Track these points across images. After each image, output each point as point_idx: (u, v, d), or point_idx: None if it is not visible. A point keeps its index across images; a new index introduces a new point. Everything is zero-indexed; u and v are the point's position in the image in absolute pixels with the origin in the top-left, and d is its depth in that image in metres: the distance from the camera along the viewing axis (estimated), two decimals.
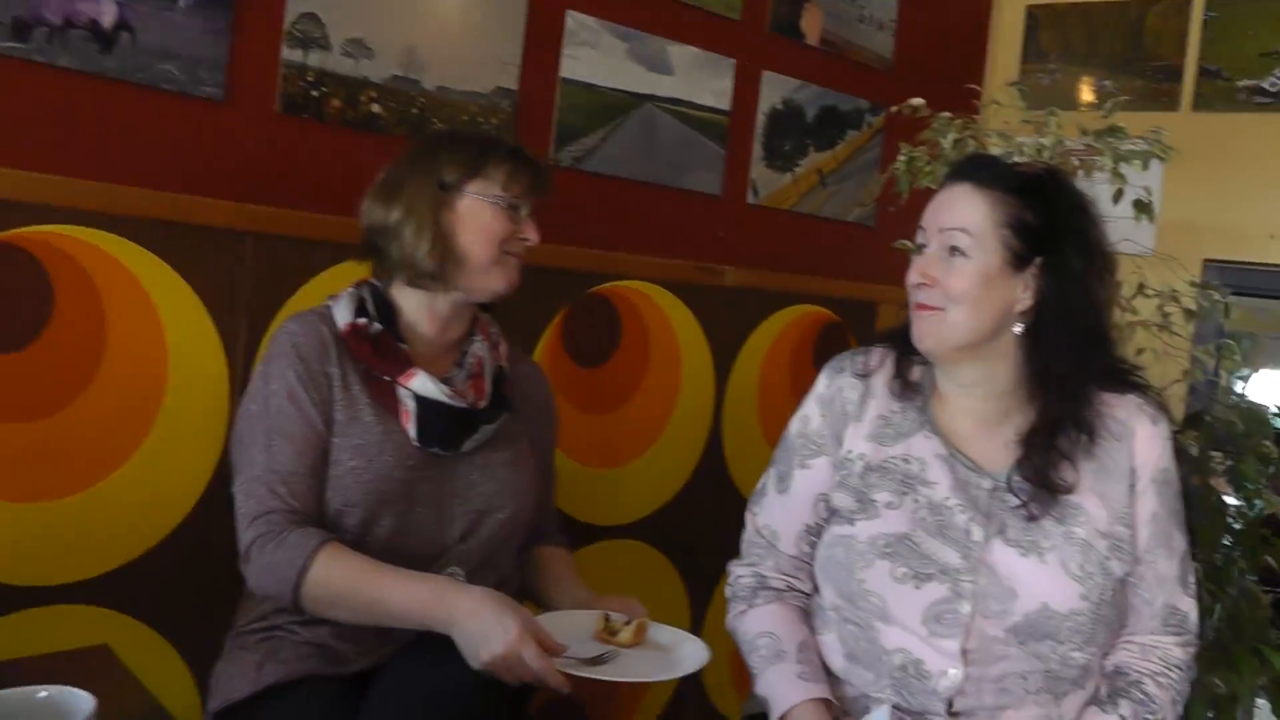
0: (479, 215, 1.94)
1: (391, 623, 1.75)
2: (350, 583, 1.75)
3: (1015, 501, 1.72)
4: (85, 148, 2.11)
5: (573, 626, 1.86)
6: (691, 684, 3.23)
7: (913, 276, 1.73)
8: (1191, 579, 1.81)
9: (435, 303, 1.98)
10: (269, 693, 1.78)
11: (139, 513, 2.20)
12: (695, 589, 3.17)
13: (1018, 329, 1.72)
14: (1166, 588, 1.76)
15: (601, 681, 1.74)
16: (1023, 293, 1.71)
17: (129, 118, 2.15)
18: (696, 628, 3.18)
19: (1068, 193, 1.76)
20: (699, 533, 3.16)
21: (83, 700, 1.17)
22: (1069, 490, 1.72)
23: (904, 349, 1.85)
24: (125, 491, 2.18)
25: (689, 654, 1.87)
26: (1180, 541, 1.79)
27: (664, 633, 1.94)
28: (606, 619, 1.90)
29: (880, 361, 1.88)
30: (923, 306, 1.72)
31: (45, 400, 2.09)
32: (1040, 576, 1.68)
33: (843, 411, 1.85)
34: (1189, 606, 1.79)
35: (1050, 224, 1.70)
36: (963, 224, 1.70)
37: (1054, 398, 1.74)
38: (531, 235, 1.99)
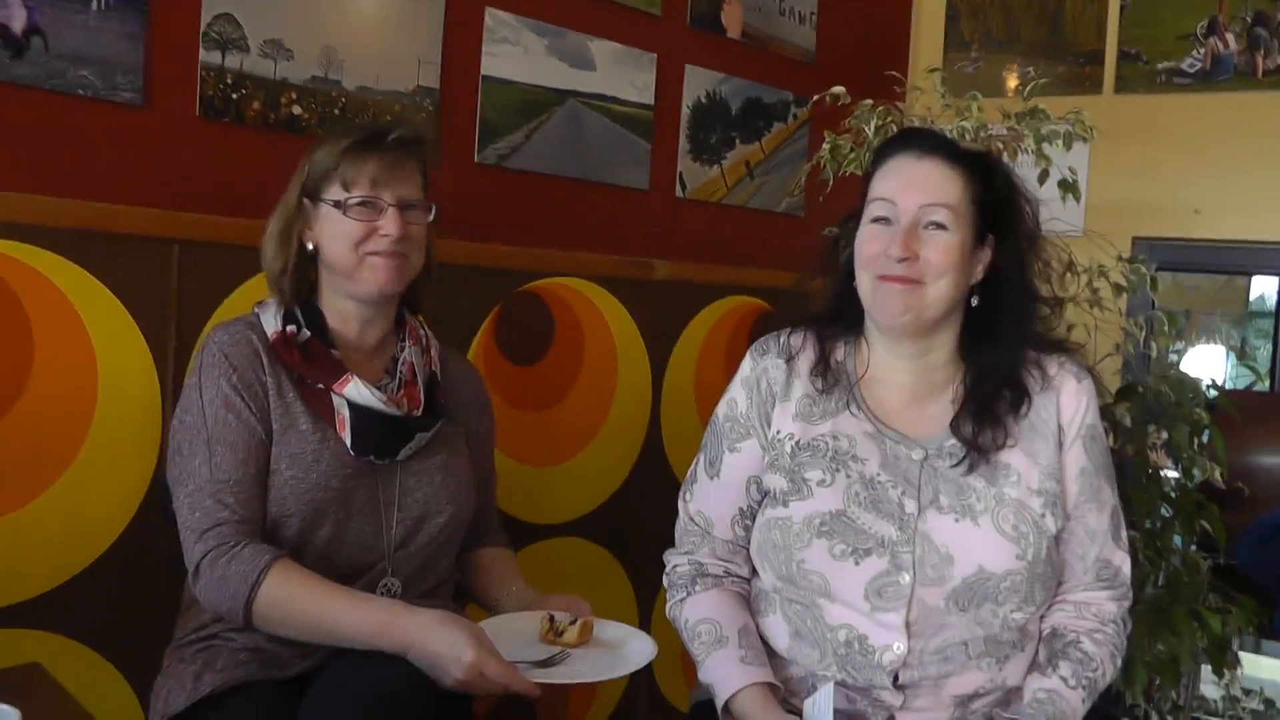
0: (332, 222, 1.92)
1: (340, 644, 1.74)
2: (300, 603, 1.73)
3: (948, 464, 1.74)
4: (0, 157, 2.08)
5: (518, 629, 1.87)
6: (642, 677, 3.23)
7: (894, 249, 1.71)
8: (1123, 533, 1.83)
9: (345, 306, 1.96)
10: (207, 701, 1.76)
11: (73, 530, 2.16)
12: (640, 583, 3.17)
13: (974, 301, 1.78)
14: (1098, 542, 1.78)
15: (556, 684, 1.75)
16: (978, 266, 1.77)
17: (45, 126, 2.12)
18: (644, 622, 3.18)
19: (1002, 170, 1.83)
20: (641, 527, 3.15)
21: (6, 714, 1.15)
22: (1001, 447, 1.75)
23: (827, 329, 1.87)
24: (58, 510, 2.14)
25: (636, 649, 1.88)
26: (1109, 496, 1.81)
27: (609, 629, 1.95)
28: (551, 620, 1.89)
29: (803, 342, 1.88)
30: (900, 279, 1.72)
31: None
32: (975, 539, 1.69)
33: (769, 393, 1.86)
34: (1121, 560, 1.81)
35: (997, 201, 1.78)
36: (945, 199, 1.72)
37: (991, 361, 1.77)
38: (389, 229, 1.89)
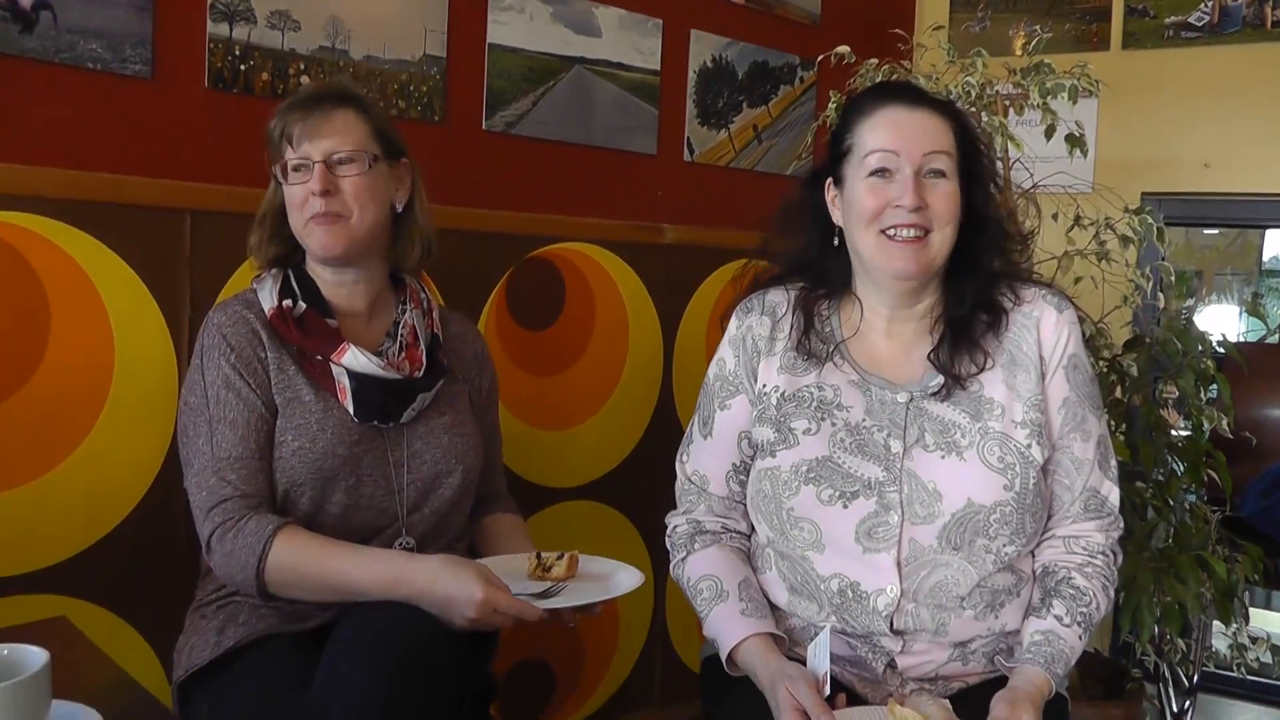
0: (286, 190, 1.93)
1: (355, 599, 1.76)
2: (308, 565, 1.76)
3: (933, 400, 1.76)
4: (14, 131, 2.11)
5: (507, 570, 1.89)
6: (657, 638, 3.27)
7: (906, 199, 1.70)
8: (1112, 462, 1.83)
9: (322, 272, 1.97)
10: (230, 655, 1.80)
11: (93, 497, 2.20)
12: (654, 545, 3.17)
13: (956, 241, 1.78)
14: (1084, 470, 1.79)
15: (558, 611, 1.80)
16: (960, 207, 1.77)
17: (56, 99, 2.15)
18: (659, 582, 3.21)
19: (963, 114, 1.85)
20: (655, 489, 3.14)
21: (35, 655, 1.18)
22: (982, 369, 1.76)
23: (810, 294, 1.88)
24: (78, 477, 2.18)
25: (625, 577, 1.93)
26: (1095, 425, 1.81)
27: (595, 563, 1.99)
28: (538, 557, 1.93)
29: (787, 296, 1.90)
30: (910, 228, 1.72)
31: None
32: (961, 474, 1.71)
33: (754, 349, 1.88)
34: (1109, 490, 1.81)
35: (966, 143, 1.79)
36: (944, 146, 1.74)
37: (973, 287, 1.79)
38: (312, 185, 1.87)
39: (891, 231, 1.73)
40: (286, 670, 1.74)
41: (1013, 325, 1.79)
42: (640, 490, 3.15)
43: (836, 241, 1.84)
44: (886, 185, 1.73)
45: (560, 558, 1.92)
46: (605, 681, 3.17)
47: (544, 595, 1.83)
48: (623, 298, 3.10)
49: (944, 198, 1.72)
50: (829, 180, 1.84)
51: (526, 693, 2.99)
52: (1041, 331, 1.78)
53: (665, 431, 3.21)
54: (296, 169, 1.89)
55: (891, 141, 1.74)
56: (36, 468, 2.14)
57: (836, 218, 1.83)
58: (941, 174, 1.73)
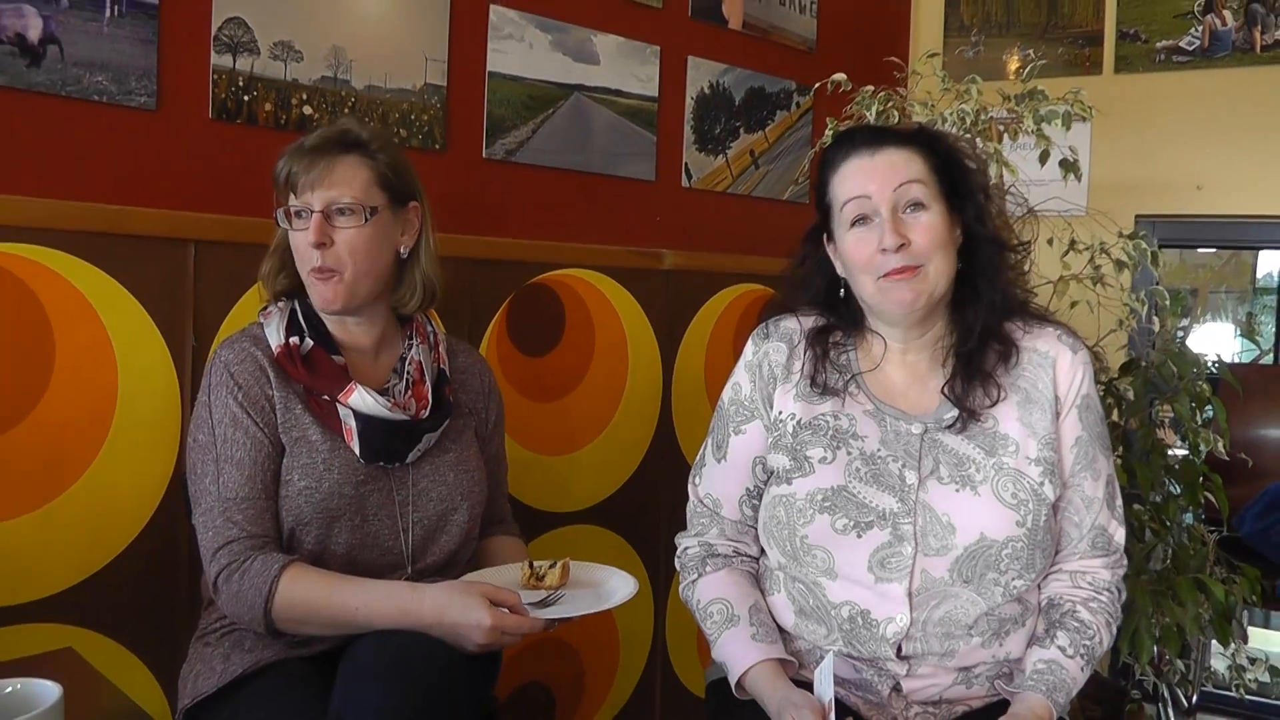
0: (290, 236, 1.94)
1: (363, 631, 1.77)
2: (315, 603, 1.77)
3: (947, 433, 1.77)
4: (21, 163, 2.12)
5: (500, 580, 1.91)
6: (658, 661, 3.27)
7: (887, 240, 1.71)
8: (1118, 502, 1.85)
9: (337, 317, 1.98)
10: (237, 683, 1.80)
11: (96, 526, 2.21)
12: (655, 568, 3.21)
13: (959, 265, 1.79)
14: (1094, 509, 1.81)
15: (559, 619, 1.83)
16: (958, 232, 1.79)
17: (62, 131, 2.17)
18: (660, 606, 3.22)
19: (941, 138, 1.84)
20: (655, 514, 3.20)
21: (49, 690, 1.19)
22: (995, 403, 1.77)
23: (824, 334, 1.88)
24: (81, 506, 2.19)
25: (619, 584, 1.95)
26: (1104, 465, 1.83)
27: (586, 570, 2.01)
28: (531, 565, 1.95)
29: (804, 323, 1.91)
30: (902, 271, 1.72)
31: None
32: (975, 508, 1.72)
33: (770, 375, 1.88)
34: (1115, 528, 1.83)
35: (948, 165, 1.80)
36: (914, 176, 1.74)
37: (979, 316, 1.79)
38: (309, 237, 1.87)
39: (886, 273, 1.74)
40: (298, 695, 1.75)
41: (1028, 363, 1.80)
42: (641, 514, 3.17)
43: (843, 292, 1.85)
44: (869, 232, 1.75)
45: (553, 565, 1.94)
46: (606, 704, 3.18)
47: (541, 604, 1.85)
48: (622, 323, 3.12)
49: (926, 229, 1.73)
50: (825, 235, 1.87)
51: (527, 716, 2.99)
52: (1058, 372, 1.80)
53: (665, 456, 3.23)
54: (298, 214, 1.90)
55: (861, 187, 1.75)
56: (40, 496, 2.15)
57: (840, 270, 1.85)
58: (920, 204, 1.73)
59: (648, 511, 3.19)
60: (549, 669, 3.01)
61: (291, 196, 1.90)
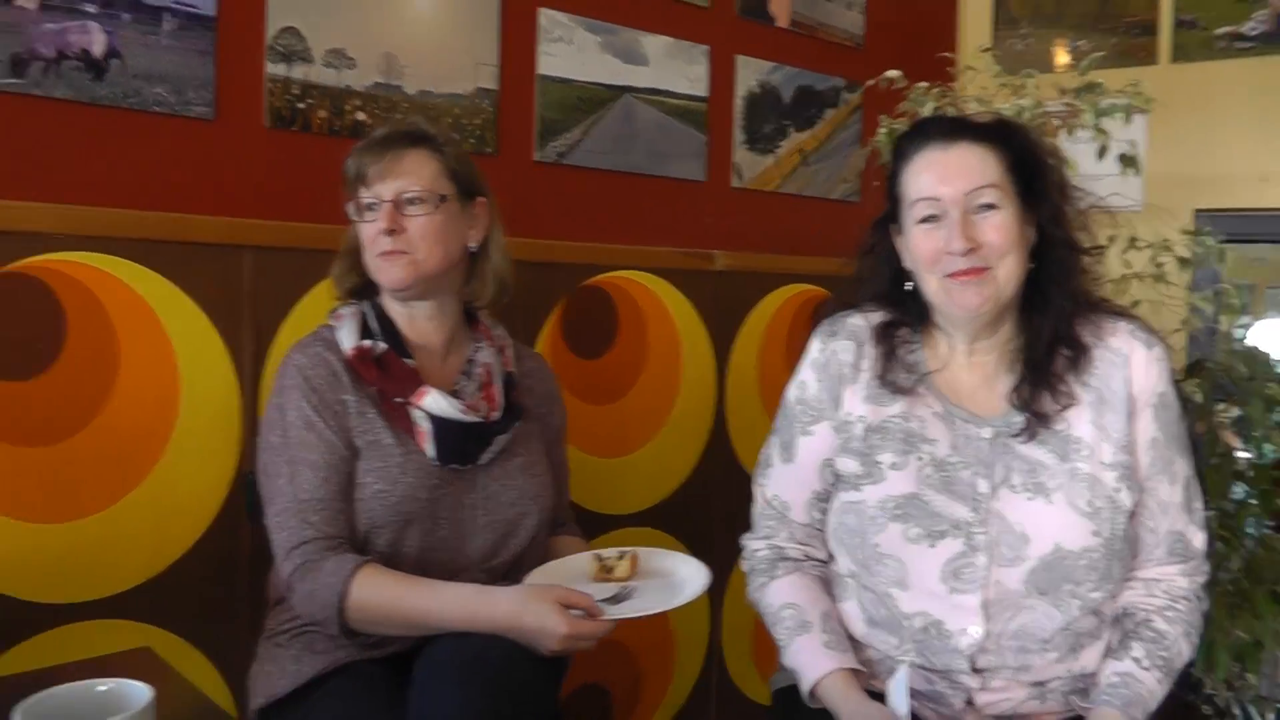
0: (360, 229, 1.97)
1: (436, 633, 1.78)
2: (388, 604, 1.78)
3: (1017, 441, 1.72)
4: (86, 174, 2.16)
5: (568, 573, 1.91)
6: (714, 664, 3.27)
7: (955, 244, 1.67)
8: (1197, 505, 1.78)
9: (397, 307, 2.00)
10: (310, 684, 1.82)
11: (162, 526, 2.25)
12: (711, 570, 3.20)
13: (1031, 266, 1.74)
14: (1170, 514, 1.74)
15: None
16: (1031, 231, 1.74)
17: (124, 142, 2.20)
18: (716, 608, 3.22)
19: (1020, 133, 1.78)
20: (710, 515, 3.20)
21: (141, 691, 1.21)
22: (1066, 408, 1.72)
23: (890, 329, 1.85)
24: (147, 507, 2.22)
25: (691, 575, 1.92)
26: (1182, 467, 1.76)
27: (654, 558, 1.99)
28: (599, 558, 1.94)
29: (870, 320, 1.87)
30: (969, 272, 1.68)
31: (63, 423, 2.14)
32: (1050, 517, 1.67)
33: (838, 374, 1.84)
34: (1194, 533, 1.76)
35: (1024, 163, 1.74)
36: (988, 179, 1.69)
37: (1049, 321, 1.74)
38: (380, 224, 1.91)
39: (953, 274, 1.71)
40: (371, 696, 1.76)
41: (1100, 362, 1.74)
42: (696, 516, 3.17)
43: (910, 285, 1.80)
44: (937, 230, 1.71)
45: (621, 556, 1.92)
46: (662, 707, 3.18)
47: (613, 600, 1.83)
48: (675, 324, 3.12)
49: (996, 230, 1.68)
50: (893, 225, 1.82)
51: (585, 718, 3.00)
52: (1132, 369, 1.73)
53: (720, 457, 3.23)
54: (369, 207, 1.93)
55: (932, 187, 1.71)
56: (107, 497, 2.19)
57: (907, 261, 1.80)
58: (992, 206, 1.69)
59: (703, 514, 3.19)
60: (606, 671, 3.02)
61: (362, 189, 1.93)
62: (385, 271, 1.93)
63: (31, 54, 2.08)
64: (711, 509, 3.21)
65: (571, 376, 2.87)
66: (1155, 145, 3.63)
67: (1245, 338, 2.81)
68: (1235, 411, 2.65)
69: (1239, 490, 2.67)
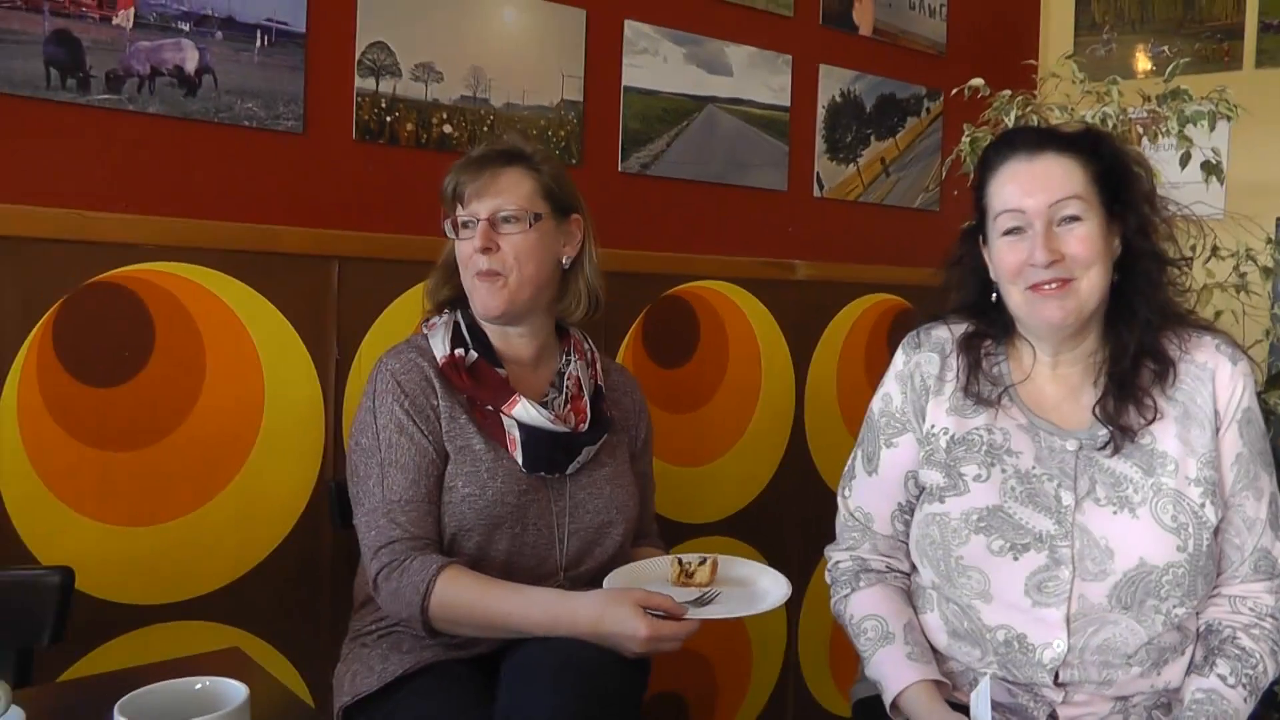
0: (456, 246, 2.00)
1: (517, 636, 1.80)
2: (471, 605, 1.80)
3: (1102, 454, 1.71)
4: (177, 187, 2.21)
5: (649, 575, 1.92)
6: (792, 676, 3.26)
7: (1038, 256, 1.67)
8: None
9: (489, 325, 2.02)
10: (398, 683, 1.84)
11: (246, 530, 2.29)
12: (789, 580, 3.20)
13: (1115, 278, 1.74)
14: (1256, 530, 1.73)
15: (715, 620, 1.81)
16: (1116, 242, 1.74)
17: (215, 156, 2.24)
18: (793, 618, 3.21)
19: (1107, 142, 1.77)
20: (788, 525, 3.19)
21: (236, 690, 1.23)
22: (1151, 422, 1.71)
23: (975, 339, 1.85)
24: (230, 511, 2.27)
25: (771, 584, 1.92)
26: (1268, 483, 1.75)
27: (735, 566, 1.99)
28: (679, 562, 1.94)
29: (955, 332, 1.87)
30: (1052, 284, 1.69)
31: (150, 429, 2.19)
32: (1135, 532, 1.67)
33: (923, 387, 1.85)
34: None
35: (1111, 173, 1.73)
36: (1073, 191, 1.69)
37: (1134, 334, 1.73)
38: (475, 243, 1.94)
39: (1036, 285, 1.71)
40: (457, 694, 1.79)
41: (1185, 377, 1.74)
42: (775, 525, 3.17)
43: (995, 297, 1.80)
44: (1021, 242, 1.71)
45: (702, 562, 1.93)
46: (739, 717, 3.18)
47: (697, 604, 1.83)
48: (755, 334, 3.12)
49: (1080, 242, 1.68)
50: (981, 236, 1.82)
51: None
52: (1217, 385, 1.73)
53: (799, 467, 3.22)
54: (465, 225, 1.96)
55: (1016, 200, 1.71)
56: (194, 500, 2.24)
57: (993, 273, 1.80)
58: (1075, 218, 1.68)
59: (780, 523, 3.19)
60: (683, 679, 3.02)
61: (459, 207, 1.96)
62: (481, 298, 1.96)
63: (127, 70, 2.13)
64: (789, 518, 3.20)
65: (652, 386, 2.87)
66: (1238, 152, 3.56)
67: None
68: None
69: None
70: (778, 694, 3.25)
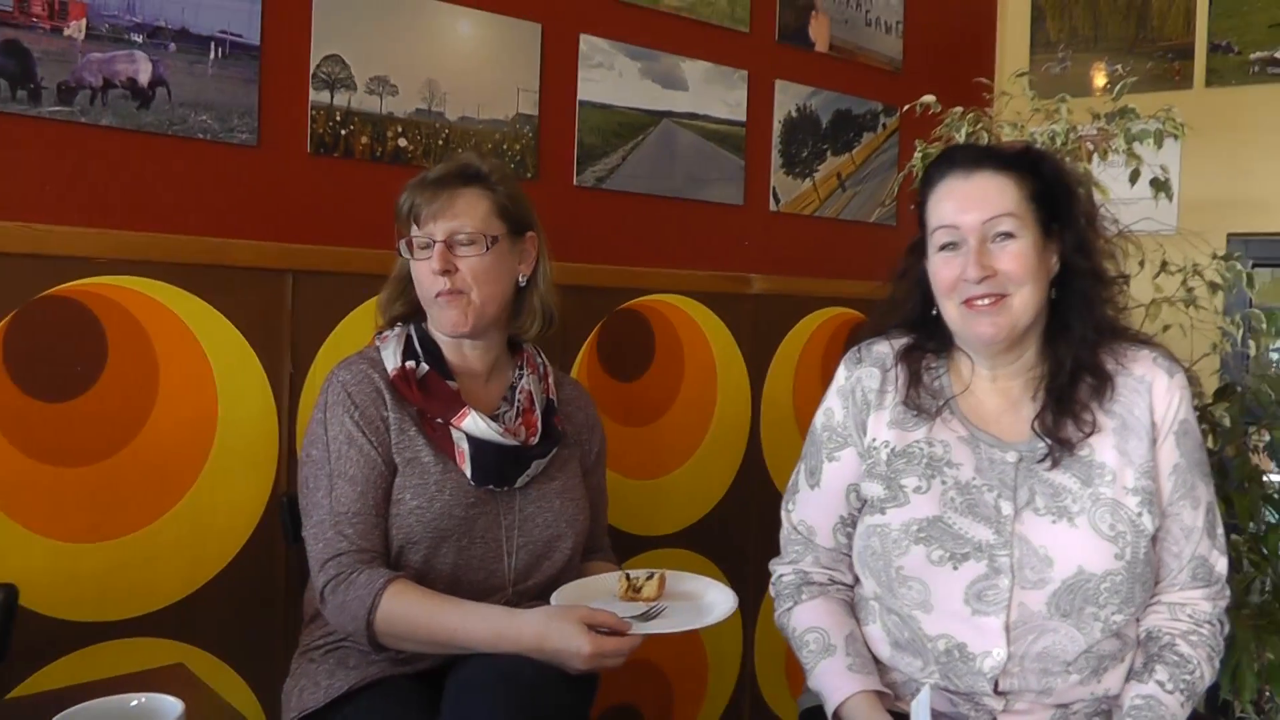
0: (413, 265, 2.00)
1: (462, 652, 1.81)
2: (416, 620, 1.80)
3: (1041, 466, 1.74)
4: (130, 200, 2.20)
5: (597, 591, 1.93)
6: (746, 683, 3.27)
7: (970, 271, 1.71)
8: (1219, 531, 1.80)
9: (444, 339, 2.03)
10: (342, 699, 1.84)
11: (198, 545, 2.28)
12: (744, 593, 3.19)
13: (1053, 294, 1.77)
14: (1193, 538, 1.76)
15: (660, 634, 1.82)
16: (1054, 260, 1.77)
17: (169, 168, 2.24)
18: (749, 630, 3.22)
19: (1048, 161, 1.81)
20: (744, 537, 3.21)
21: (172, 706, 1.23)
22: (1089, 434, 1.74)
23: (915, 351, 1.88)
24: (183, 527, 2.26)
25: (719, 598, 1.94)
26: (1204, 492, 1.78)
27: (683, 581, 2.01)
28: (627, 578, 1.95)
29: (895, 346, 1.90)
30: (985, 299, 1.72)
31: (102, 444, 2.17)
32: (1073, 540, 1.69)
33: (864, 401, 1.87)
34: (1216, 558, 1.78)
35: (1050, 191, 1.76)
36: (1006, 208, 1.72)
37: (1071, 350, 1.77)
38: (433, 264, 1.94)
39: (969, 300, 1.74)
40: (406, 709, 1.79)
41: (1123, 390, 1.77)
42: (729, 538, 3.18)
43: (935, 311, 1.83)
44: (955, 257, 1.74)
45: (650, 577, 1.94)
46: None
47: (642, 618, 1.84)
48: (711, 348, 3.14)
49: (1013, 259, 1.71)
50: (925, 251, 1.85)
51: None
52: (1154, 397, 1.76)
53: (755, 479, 3.24)
54: (422, 246, 1.96)
55: (951, 216, 1.75)
56: (145, 516, 2.22)
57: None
58: (1009, 235, 1.71)
59: (736, 535, 3.20)
60: (640, 691, 3.03)
61: (414, 227, 1.96)
62: (447, 315, 1.97)
63: (79, 82, 2.12)
64: (745, 531, 3.21)
65: (607, 399, 2.88)
66: (1189, 169, 3.62)
67: (1277, 362, 2.80)
68: (1265, 436, 2.65)
69: (1269, 514, 2.68)
70: (733, 704, 3.26)
